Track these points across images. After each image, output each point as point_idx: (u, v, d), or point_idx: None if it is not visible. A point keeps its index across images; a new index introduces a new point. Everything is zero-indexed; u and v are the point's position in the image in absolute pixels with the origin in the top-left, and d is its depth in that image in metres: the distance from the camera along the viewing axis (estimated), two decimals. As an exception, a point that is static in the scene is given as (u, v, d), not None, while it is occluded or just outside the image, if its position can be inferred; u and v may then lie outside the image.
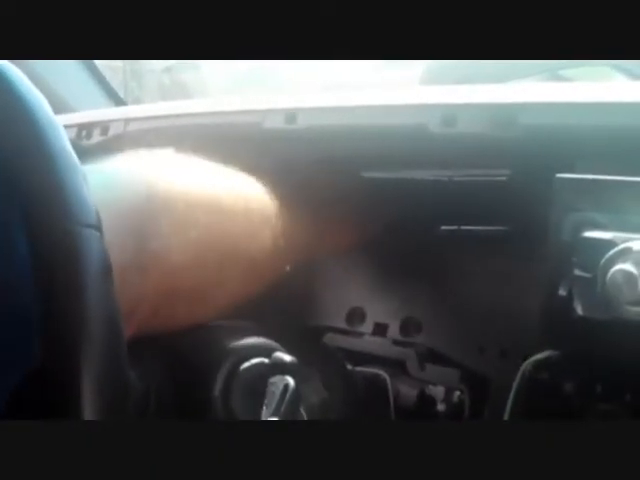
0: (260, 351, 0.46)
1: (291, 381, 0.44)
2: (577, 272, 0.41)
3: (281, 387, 0.44)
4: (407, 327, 0.64)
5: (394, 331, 0.64)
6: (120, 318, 0.33)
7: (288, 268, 0.53)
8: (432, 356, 0.62)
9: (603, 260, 0.40)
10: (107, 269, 0.32)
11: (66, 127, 0.68)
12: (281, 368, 0.45)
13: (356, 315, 0.67)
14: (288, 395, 0.43)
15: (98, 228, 0.32)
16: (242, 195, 0.49)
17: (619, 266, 0.39)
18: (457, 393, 0.59)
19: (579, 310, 0.41)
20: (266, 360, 0.45)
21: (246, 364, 0.45)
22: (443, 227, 0.64)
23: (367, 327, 0.66)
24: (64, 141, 0.33)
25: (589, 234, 0.41)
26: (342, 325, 0.67)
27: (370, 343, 0.65)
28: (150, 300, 0.41)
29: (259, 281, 0.51)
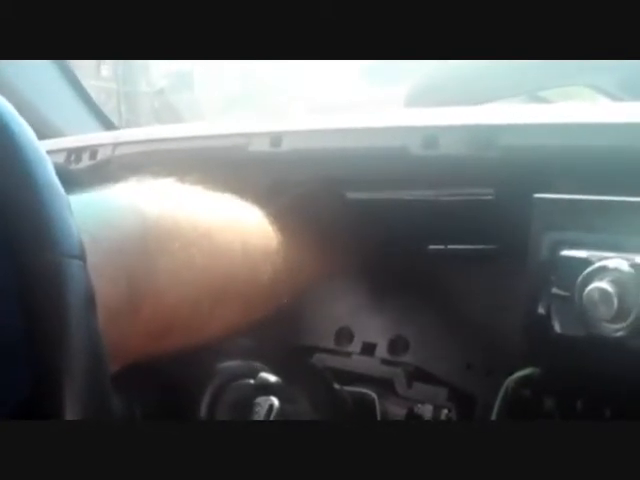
0: (245, 372, 0.46)
1: (276, 402, 0.44)
2: (555, 290, 0.42)
3: (266, 408, 0.44)
4: (395, 346, 0.65)
5: (382, 350, 0.65)
6: (103, 346, 0.33)
7: (285, 300, 0.54)
8: (420, 375, 0.62)
9: (580, 278, 0.41)
10: (90, 299, 0.32)
11: (55, 151, 0.70)
12: (266, 389, 0.45)
13: (344, 335, 0.67)
14: (273, 415, 0.44)
15: (82, 258, 0.32)
16: (240, 231, 0.49)
17: (595, 284, 0.40)
18: (445, 411, 0.60)
19: (557, 328, 0.42)
20: (251, 381, 0.46)
21: (232, 385, 0.45)
22: (431, 246, 0.64)
23: (355, 346, 0.66)
24: (49, 170, 0.33)
25: (566, 253, 0.42)
26: (331, 345, 0.67)
27: (358, 362, 0.65)
28: (141, 336, 0.41)
29: (255, 313, 0.51)
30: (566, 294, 0.41)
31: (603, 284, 0.39)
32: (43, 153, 0.34)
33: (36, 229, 0.32)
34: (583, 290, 0.40)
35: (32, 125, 0.35)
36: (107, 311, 0.36)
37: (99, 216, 0.40)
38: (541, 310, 0.42)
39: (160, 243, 0.42)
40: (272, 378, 0.46)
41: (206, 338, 0.47)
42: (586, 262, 0.41)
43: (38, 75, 0.91)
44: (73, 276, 0.32)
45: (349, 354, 0.66)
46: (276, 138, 0.56)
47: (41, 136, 0.37)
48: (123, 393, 0.39)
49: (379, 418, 0.60)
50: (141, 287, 0.40)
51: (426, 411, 0.60)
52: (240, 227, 0.50)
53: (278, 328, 0.62)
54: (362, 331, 0.66)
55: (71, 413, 0.30)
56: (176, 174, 0.49)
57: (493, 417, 0.46)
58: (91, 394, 0.32)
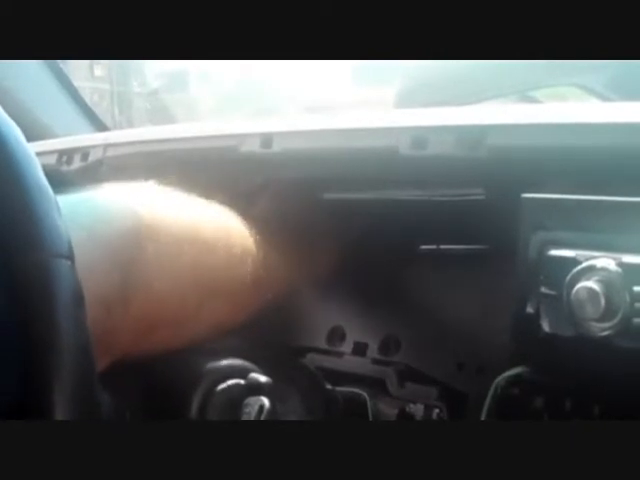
0: (236, 372, 0.46)
1: (266, 402, 0.44)
2: (543, 290, 0.42)
3: (256, 408, 0.44)
4: (386, 346, 0.65)
5: (373, 350, 0.65)
6: (91, 346, 0.33)
7: (270, 297, 0.54)
8: (411, 374, 0.63)
9: (568, 278, 0.41)
10: (79, 298, 0.33)
11: (47, 153, 0.69)
12: (256, 389, 0.45)
13: (336, 335, 0.68)
14: (263, 416, 0.44)
15: (69, 257, 0.33)
16: (224, 227, 0.50)
17: (583, 283, 0.40)
18: (436, 411, 0.60)
19: (546, 327, 0.42)
20: (242, 381, 0.46)
21: (222, 385, 0.45)
22: (422, 247, 0.65)
23: (347, 346, 0.66)
24: (37, 171, 0.34)
25: (554, 252, 0.42)
26: (323, 345, 0.67)
27: (350, 362, 0.65)
28: (131, 330, 0.41)
29: (241, 311, 0.52)
30: (554, 293, 0.42)
31: (591, 283, 0.40)
32: (31, 154, 0.34)
33: (24, 229, 0.32)
34: (571, 289, 0.40)
35: (23, 126, 0.35)
36: (98, 306, 0.36)
37: (93, 213, 0.41)
38: (530, 309, 0.43)
39: (151, 240, 0.43)
40: (263, 378, 0.46)
41: (195, 335, 0.47)
42: (574, 261, 0.41)
43: (28, 75, 0.91)
44: (61, 276, 0.32)
45: (341, 354, 0.66)
46: (267, 139, 0.56)
47: (32, 137, 0.37)
48: (113, 393, 0.39)
49: (371, 418, 0.60)
50: (132, 282, 0.41)
51: (417, 410, 0.60)
52: (229, 225, 0.50)
53: (269, 328, 0.62)
54: (354, 331, 0.67)
55: (59, 412, 0.31)
56: (167, 175, 0.49)
57: (483, 416, 0.47)
58: (79, 393, 0.32)
